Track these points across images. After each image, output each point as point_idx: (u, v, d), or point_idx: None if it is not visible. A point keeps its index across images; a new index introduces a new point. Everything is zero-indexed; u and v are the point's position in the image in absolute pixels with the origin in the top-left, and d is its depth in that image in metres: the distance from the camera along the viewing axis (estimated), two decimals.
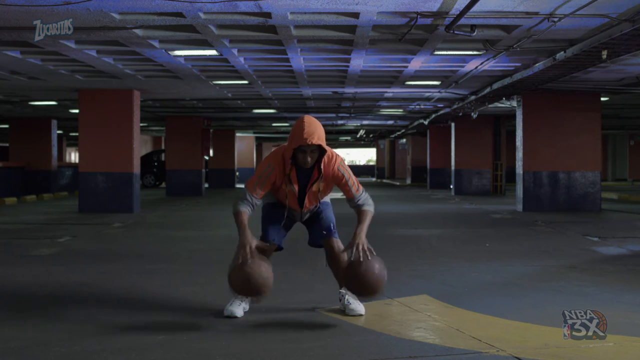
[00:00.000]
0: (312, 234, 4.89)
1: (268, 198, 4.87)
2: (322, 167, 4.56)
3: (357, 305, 4.72)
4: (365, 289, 4.48)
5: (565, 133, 14.49)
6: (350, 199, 4.69)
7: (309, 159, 4.49)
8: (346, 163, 4.78)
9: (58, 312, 4.86)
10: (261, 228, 4.81)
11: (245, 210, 4.57)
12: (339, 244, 4.78)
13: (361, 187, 4.70)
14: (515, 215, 13.52)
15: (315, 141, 4.38)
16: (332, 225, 4.81)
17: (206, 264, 7.17)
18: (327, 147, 4.56)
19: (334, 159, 4.62)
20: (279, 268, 6.62)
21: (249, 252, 4.38)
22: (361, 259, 4.44)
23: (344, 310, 4.72)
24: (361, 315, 4.67)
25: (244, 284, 4.36)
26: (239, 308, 4.67)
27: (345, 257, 4.68)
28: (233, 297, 4.71)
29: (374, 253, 4.50)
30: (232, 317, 4.61)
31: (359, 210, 4.66)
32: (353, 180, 4.68)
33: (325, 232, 4.78)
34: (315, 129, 4.41)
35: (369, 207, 4.67)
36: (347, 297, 4.74)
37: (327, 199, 4.94)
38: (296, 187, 4.62)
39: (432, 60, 11.07)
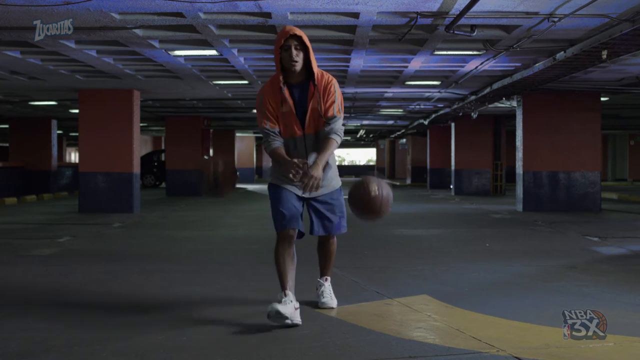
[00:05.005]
0: (315, 224, 4.67)
1: (271, 177, 4.70)
2: (315, 80, 4.49)
3: (329, 300, 4.88)
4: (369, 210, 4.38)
5: (565, 133, 14.49)
6: (328, 118, 4.49)
7: (294, 54, 4.40)
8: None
9: (58, 312, 4.86)
10: (272, 214, 4.57)
11: (277, 144, 4.51)
12: (334, 241, 4.91)
13: (342, 113, 4.59)
14: (515, 215, 13.52)
15: (297, 32, 4.42)
16: (339, 223, 4.69)
17: (206, 264, 7.16)
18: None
19: (328, 76, 4.58)
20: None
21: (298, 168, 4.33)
22: (305, 193, 4.52)
23: (317, 303, 4.89)
24: (332, 308, 4.83)
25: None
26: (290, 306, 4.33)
27: (333, 247, 4.88)
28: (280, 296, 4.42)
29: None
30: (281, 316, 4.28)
31: (326, 137, 4.49)
32: (340, 101, 4.56)
33: (328, 228, 4.68)
34: (296, 29, 4.48)
35: (336, 137, 4.50)
36: (322, 289, 4.90)
37: (338, 181, 4.76)
38: (291, 102, 4.49)
39: (432, 60, 11.07)
